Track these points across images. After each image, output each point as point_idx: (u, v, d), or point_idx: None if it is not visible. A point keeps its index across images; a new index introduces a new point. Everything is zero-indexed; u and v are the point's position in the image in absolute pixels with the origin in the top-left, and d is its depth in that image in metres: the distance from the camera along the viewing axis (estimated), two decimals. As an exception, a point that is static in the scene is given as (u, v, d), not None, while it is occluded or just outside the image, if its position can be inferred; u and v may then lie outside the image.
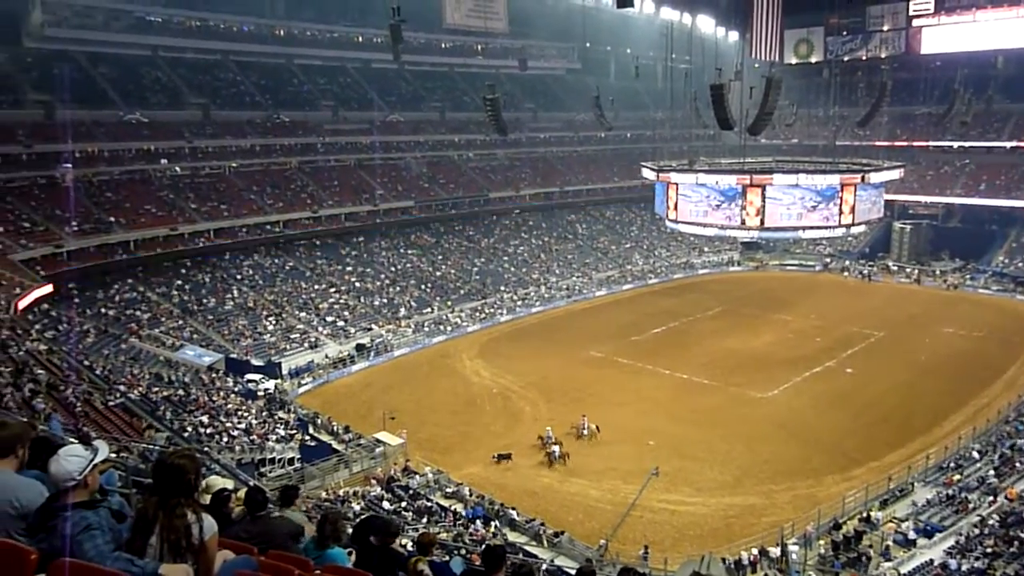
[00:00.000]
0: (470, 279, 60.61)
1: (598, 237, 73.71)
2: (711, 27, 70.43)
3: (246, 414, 33.42)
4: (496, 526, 26.28)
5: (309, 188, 61.46)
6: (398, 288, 56.37)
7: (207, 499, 6.27)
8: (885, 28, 68.05)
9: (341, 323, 49.69)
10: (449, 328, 52.06)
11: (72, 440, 8.42)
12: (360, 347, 46.68)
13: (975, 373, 40.88)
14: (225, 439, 30.25)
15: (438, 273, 60.39)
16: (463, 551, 20.58)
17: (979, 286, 61.48)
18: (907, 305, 56.91)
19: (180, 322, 45.20)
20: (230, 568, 4.17)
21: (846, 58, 68.95)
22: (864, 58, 68.47)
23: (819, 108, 64.29)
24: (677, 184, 44.05)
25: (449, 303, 55.68)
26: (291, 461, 30.47)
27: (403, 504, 27.57)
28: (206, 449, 27.20)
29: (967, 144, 70.84)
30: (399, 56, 47.19)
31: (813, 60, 70.71)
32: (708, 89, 32.00)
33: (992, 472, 27.88)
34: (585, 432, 33.90)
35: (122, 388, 30.55)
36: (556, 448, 31.95)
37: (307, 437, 33.21)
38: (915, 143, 73.41)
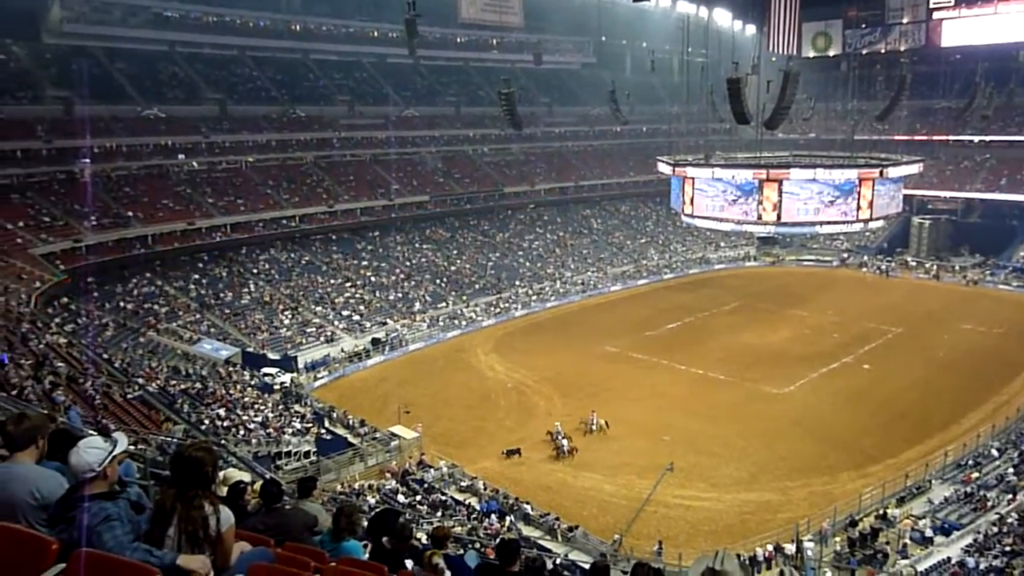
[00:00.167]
0: (485, 274, 60.64)
1: (613, 232, 73.53)
2: (728, 20, 69.97)
3: (262, 407, 33.65)
4: (511, 521, 26.33)
5: (325, 183, 61.68)
6: (413, 283, 56.49)
7: (224, 491, 6.33)
8: (905, 20, 67.25)
9: (356, 317, 49.87)
10: (464, 323, 52.14)
11: (91, 432, 8.51)
12: (375, 341, 46.85)
13: (994, 369, 40.49)
14: (242, 432, 30.47)
15: (453, 268, 60.46)
16: (477, 545, 20.66)
17: (999, 282, 60.84)
18: (926, 301, 56.43)
19: (197, 316, 45.53)
20: (247, 559, 4.20)
21: (865, 51, 68.27)
22: (883, 51, 67.74)
23: (837, 102, 63.84)
24: (693, 179, 43.86)
25: (464, 298, 55.75)
26: (307, 454, 30.64)
27: (418, 497, 27.68)
28: (223, 442, 27.44)
29: (988, 138, 70.02)
30: (414, 51, 47.17)
31: (831, 53, 70.02)
32: (725, 83, 31.85)
33: (1011, 470, 27.64)
34: (594, 427, 33.91)
35: (140, 381, 30.83)
36: (564, 442, 31.97)
37: (323, 430, 33.40)
38: (935, 137, 72.62)
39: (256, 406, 33.62)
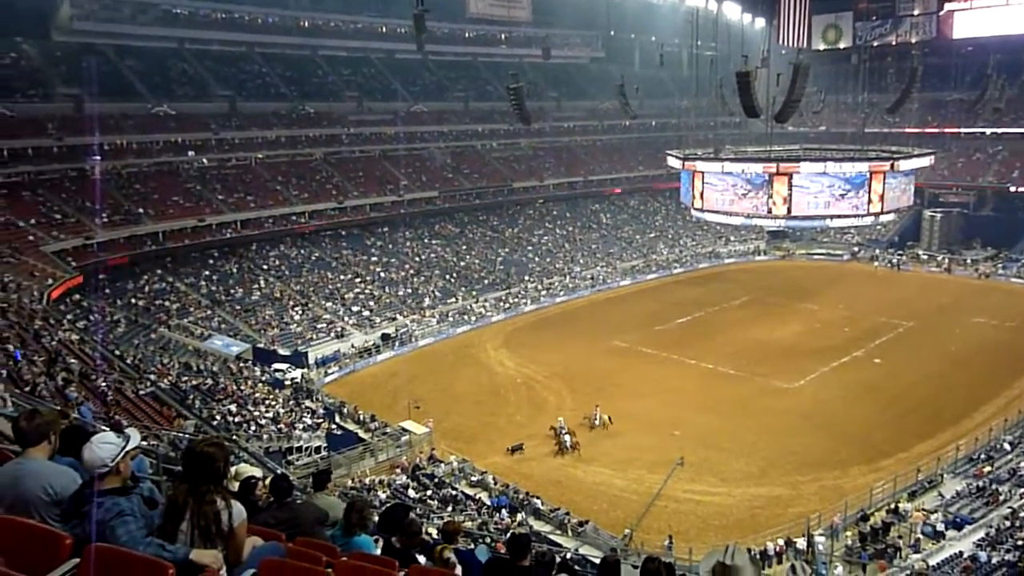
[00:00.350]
0: (494, 269, 60.66)
1: (622, 226, 73.38)
2: (737, 13, 69.54)
3: (273, 403, 33.79)
4: (523, 517, 26.35)
5: (334, 179, 61.79)
6: (422, 278, 56.57)
7: (236, 486, 6.36)
8: (915, 12, 66.80)
9: (366, 313, 49.97)
10: (473, 318, 52.18)
11: (103, 428, 8.56)
12: (385, 337, 46.94)
13: (1007, 363, 40.22)
14: (253, 427, 30.62)
15: (462, 263, 60.50)
16: (488, 539, 20.70)
17: (1011, 275, 60.39)
18: (937, 295, 56.11)
19: (208, 312, 45.72)
20: (259, 554, 4.22)
21: (875, 43, 67.82)
22: (894, 43, 67.27)
23: (847, 95, 63.33)
24: (703, 172, 43.70)
25: (473, 293, 55.79)
26: (318, 449, 30.75)
27: (428, 492, 27.74)
28: (234, 437, 27.57)
29: (1000, 131, 69.55)
30: (423, 46, 47.28)
31: (842, 46, 69.59)
32: (734, 76, 31.67)
33: (1023, 464, 27.48)
34: (597, 422, 33.88)
35: (152, 377, 31.02)
36: (567, 438, 32.00)
37: (334, 426, 33.50)
38: (946, 130, 72.19)
39: (267, 402, 33.77)
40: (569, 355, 44.22)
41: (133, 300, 44.45)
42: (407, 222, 63.28)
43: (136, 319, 42.47)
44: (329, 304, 50.22)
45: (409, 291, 54.31)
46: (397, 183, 64.01)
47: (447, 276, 57.75)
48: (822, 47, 70.28)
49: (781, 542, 23.87)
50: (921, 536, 24.06)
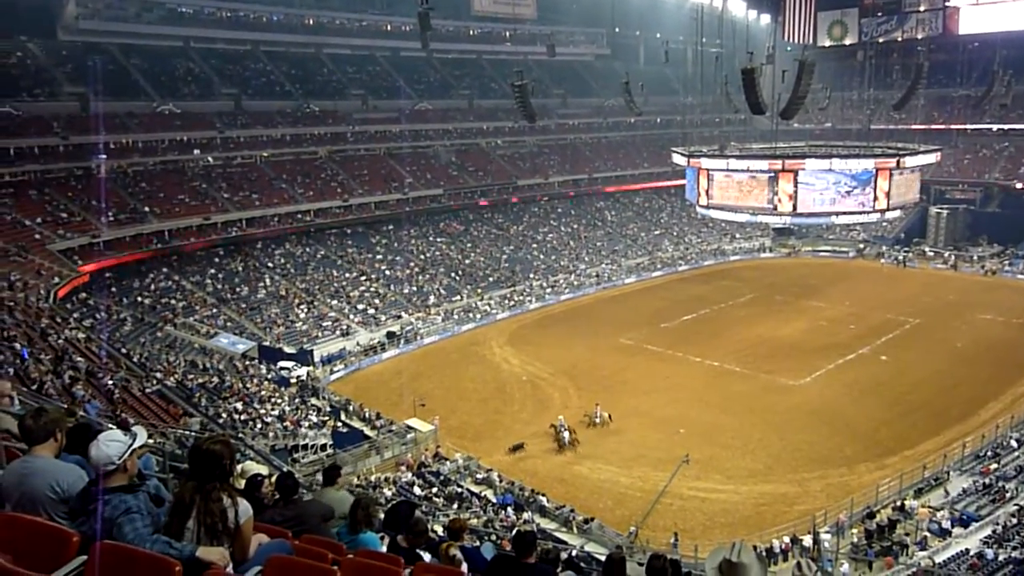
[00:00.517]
0: (499, 267, 60.66)
1: (627, 224, 73.31)
2: (742, 10, 69.40)
3: (279, 401, 33.87)
4: (528, 515, 26.37)
5: (339, 177, 61.84)
6: (427, 276, 56.60)
7: (242, 484, 6.37)
8: (921, 8, 66.56)
9: (372, 311, 50.03)
10: (478, 316, 52.19)
11: (109, 426, 8.59)
12: (390, 335, 46.99)
13: (1014, 360, 40.06)
14: (259, 425, 30.69)
15: (467, 261, 60.51)
16: (494, 537, 20.71)
17: (1018, 272, 60.14)
18: (943, 291, 55.94)
19: (214, 310, 45.84)
20: (265, 551, 4.23)
21: (881, 40, 67.61)
22: (900, 39, 67.08)
23: (853, 91, 63.22)
24: (708, 169, 43.64)
25: (478, 291, 55.80)
26: (324, 447, 30.80)
27: (434, 490, 27.77)
28: (240, 435, 27.63)
29: (1006, 127, 69.26)
30: (427, 44, 47.24)
31: (847, 42, 69.40)
32: (739, 73, 31.60)
33: (1031, 461, 27.40)
34: (597, 420, 33.88)
35: (158, 375, 31.08)
36: (566, 435, 32.02)
37: (339, 423, 33.56)
38: (952, 126, 71.95)
39: (273, 399, 33.85)
40: (574, 353, 44.22)
41: (139, 298, 44.59)
42: (412, 220, 63.32)
43: (142, 317, 42.60)
44: (334, 302, 50.29)
45: (414, 289, 54.35)
46: (402, 181, 64.04)
47: (452, 274, 57.77)
48: (828, 43, 70.10)
49: (787, 539, 23.84)
50: (927, 534, 24.00)
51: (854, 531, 24.64)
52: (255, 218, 54.38)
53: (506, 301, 55.05)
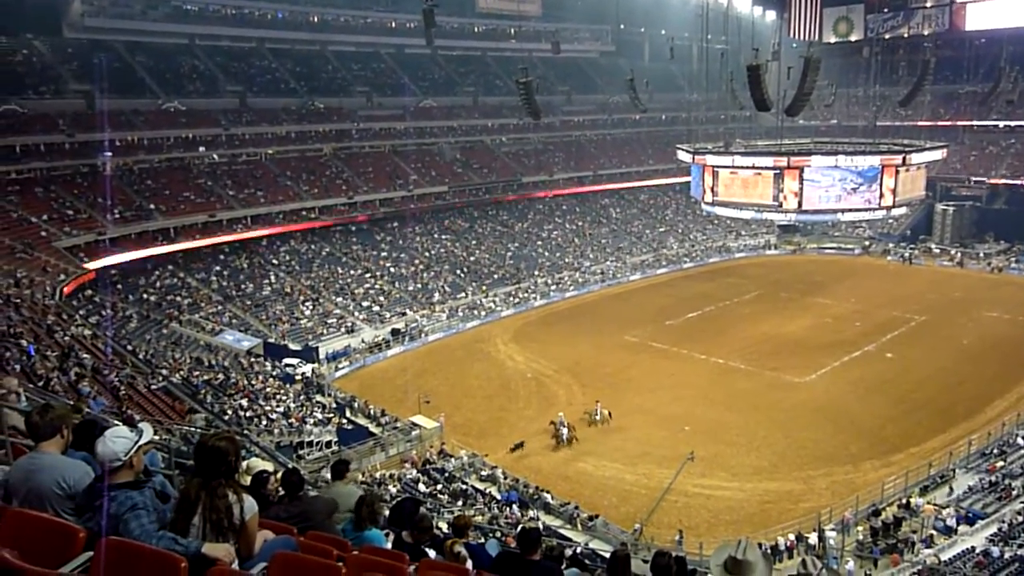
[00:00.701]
0: (504, 264, 60.65)
1: (632, 221, 73.23)
2: (747, 6, 69.09)
3: (284, 398, 33.92)
4: (534, 513, 26.38)
5: (344, 174, 61.87)
6: (432, 273, 56.62)
7: (248, 480, 6.39)
8: (928, 4, 66.03)
9: (376, 308, 50.09)
10: (483, 313, 52.20)
11: (115, 423, 8.61)
12: (395, 332, 47.05)
13: (1020, 358, 39.93)
14: (264, 422, 30.74)
15: (472, 258, 60.52)
16: (498, 533, 20.75)
17: (1024, 269, 60.06)
18: (949, 289, 55.78)
19: (219, 307, 45.94)
20: (270, 548, 4.25)
21: (887, 36, 67.16)
22: (906, 35, 66.62)
23: (859, 88, 62.97)
24: (714, 166, 43.56)
25: (483, 288, 55.82)
26: (329, 444, 30.85)
27: (439, 487, 27.81)
28: (246, 432, 27.66)
29: (1013, 123, 69.06)
30: (432, 41, 47.27)
31: (853, 38, 68.92)
32: (745, 70, 31.52)
33: (1037, 459, 27.33)
34: (597, 417, 33.89)
35: (164, 372, 31.15)
36: (564, 431, 32.08)
37: (344, 420, 33.61)
38: (959, 122, 71.69)
39: (278, 396, 33.90)
40: (579, 350, 44.21)
41: (145, 295, 44.69)
42: (417, 217, 63.30)
43: (148, 314, 42.69)
44: (339, 299, 50.36)
45: (419, 286, 54.38)
46: (407, 178, 64.05)
47: (457, 271, 57.79)
48: (833, 40, 69.62)
49: (792, 537, 23.81)
50: (933, 531, 23.97)
51: (859, 529, 24.61)
52: (260, 215, 54.39)
53: (511, 298, 55.05)
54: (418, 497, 24.34)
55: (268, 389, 34.67)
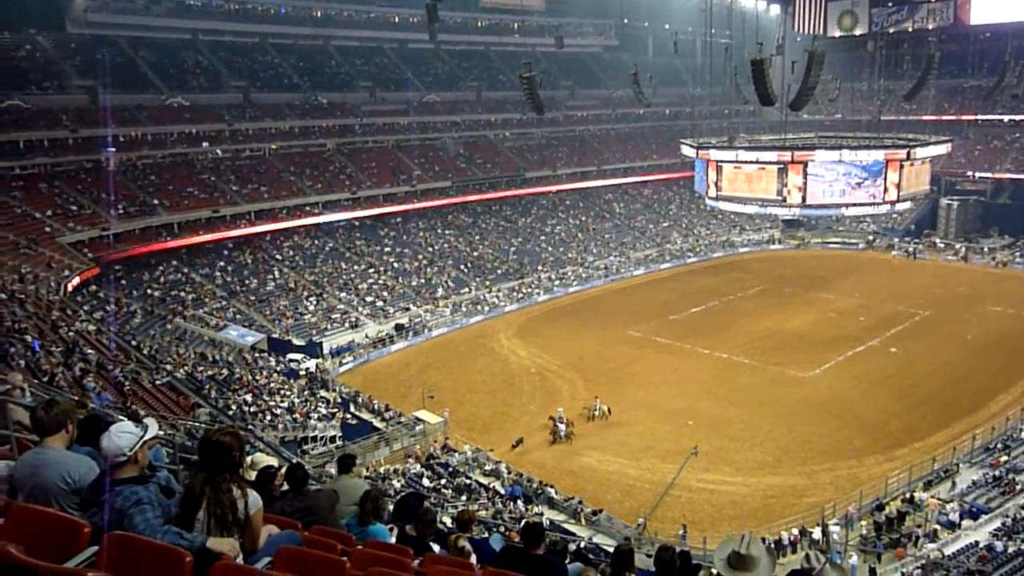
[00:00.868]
0: (507, 259, 60.63)
1: (636, 216, 73.14)
2: (752, 0, 69.03)
3: (288, 393, 34.01)
4: (538, 507, 26.43)
5: (347, 169, 61.86)
6: (436, 268, 56.64)
7: (252, 475, 6.41)
8: (932, -2, 65.98)
9: (380, 303, 50.13)
10: (486, 308, 52.21)
11: (120, 417, 8.64)
12: (399, 327, 47.08)
13: (1024, 352, 39.96)
14: (268, 417, 30.84)
15: (475, 253, 60.51)
16: (502, 528, 20.79)
17: (1029, 263, 59.86)
18: (954, 283, 55.67)
19: (223, 303, 46.01)
20: (275, 543, 4.26)
21: (892, 30, 67.00)
22: (910, 30, 66.46)
23: (863, 82, 62.85)
24: (717, 161, 43.49)
25: (487, 283, 55.82)
26: (333, 439, 30.92)
27: (443, 481, 27.86)
28: (250, 427, 27.75)
29: (1018, 117, 68.74)
30: (435, 36, 47.00)
31: (857, 32, 68.73)
32: (749, 64, 31.41)
33: (1041, 453, 27.30)
34: (596, 413, 33.92)
35: (168, 367, 31.23)
36: (562, 427, 32.12)
37: (348, 415, 33.68)
38: (963, 117, 71.46)
39: (282, 392, 33.99)
40: (583, 345, 44.21)
41: (149, 291, 44.77)
42: (420, 212, 63.24)
43: (152, 310, 42.78)
44: (343, 294, 50.41)
45: (422, 281, 54.40)
46: (410, 173, 64.01)
47: (460, 266, 57.79)
48: (838, 34, 69.43)
49: (796, 532, 23.83)
50: (937, 526, 23.96)
51: (863, 523, 24.64)
52: (264, 210, 54.43)
53: (514, 293, 55.04)
54: (422, 492, 24.41)
55: (272, 384, 34.76)
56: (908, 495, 25.86)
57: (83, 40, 54.74)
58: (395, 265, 55.85)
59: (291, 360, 39.23)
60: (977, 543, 22.04)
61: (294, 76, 64.98)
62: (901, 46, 65.90)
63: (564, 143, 77.16)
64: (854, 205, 41.92)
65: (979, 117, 70.67)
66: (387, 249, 57.90)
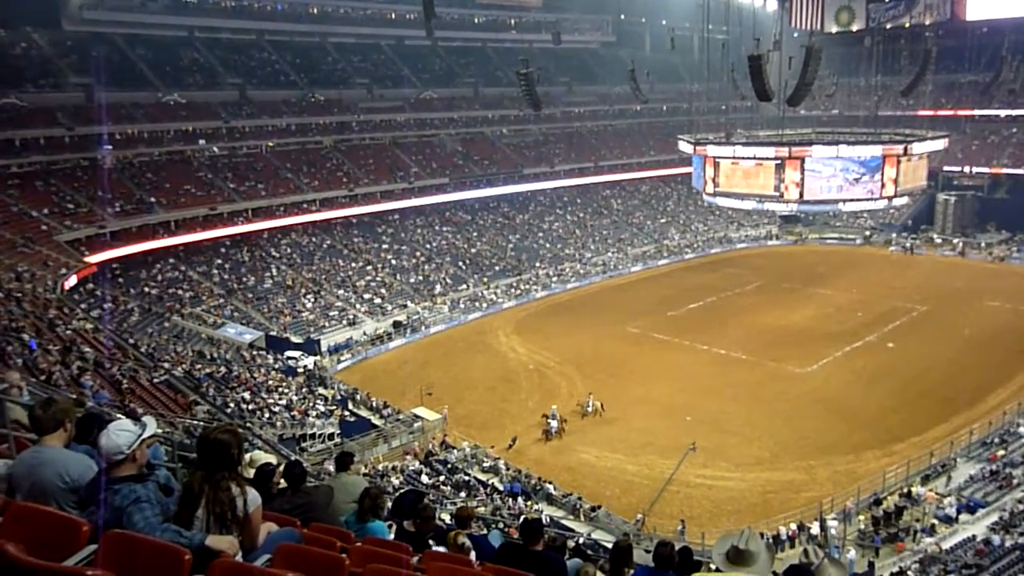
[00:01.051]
0: (505, 256, 60.62)
1: (633, 212, 73.14)
2: (749, -4, 69.02)
3: (286, 390, 33.98)
4: (538, 505, 26.45)
5: (345, 167, 61.78)
6: (433, 265, 56.61)
7: (251, 473, 6.41)
8: (929, -6, 65.95)
9: (378, 300, 50.11)
10: (485, 305, 52.21)
11: (118, 416, 8.63)
12: (397, 324, 47.06)
13: (1021, 347, 39.92)
14: (266, 415, 30.81)
15: (473, 250, 60.48)
16: (501, 524, 20.78)
17: (1026, 258, 59.94)
18: (951, 278, 55.75)
19: (221, 300, 45.95)
20: (274, 540, 4.26)
21: (888, 25, 66.96)
22: (907, 25, 66.39)
23: (860, 77, 62.82)
24: (714, 157, 43.50)
25: (484, 280, 55.80)
26: (331, 436, 30.91)
27: (441, 478, 27.87)
28: (248, 424, 27.73)
29: (1015, 112, 68.87)
30: (432, 32, 46.91)
31: (854, 28, 68.68)
32: (746, 60, 31.40)
33: (1038, 448, 27.37)
34: (589, 409, 33.97)
35: (166, 365, 31.20)
36: (554, 424, 32.18)
37: (347, 412, 33.66)
38: (960, 112, 71.54)
39: (280, 389, 33.95)
40: (581, 341, 44.22)
41: (146, 289, 44.70)
42: (418, 209, 63.18)
43: (149, 308, 42.71)
44: (341, 292, 50.37)
45: (420, 278, 54.38)
46: (407, 170, 63.95)
47: (458, 263, 57.77)
48: (835, 30, 69.33)
49: (794, 527, 23.89)
50: (934, 520, 24.02)
51: (861, 518, 24.69)
52: (261, 208, 54.33)
53: (512, 290, 55.05)
54: (421, 489, 24.41)
55: (270, 382, 34.73)
56: (906, 490, 25.92)
57: (79, 37, 54.54)
58: (393, 262, 55.82)
59: (289, 357, 39.20)
60: (974, 537, 22.11)
61: (291, 73, 64.84)
62: (898, 42, 66.04)
63: (561, 139, 77.12)
64: (851, 201, 41.97)
65: (976, 112, 70.74)
66: (385, 246, 57.86)
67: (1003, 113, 69.80)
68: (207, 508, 3.89)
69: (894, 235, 68.12)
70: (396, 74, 70.13)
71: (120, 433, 3.90)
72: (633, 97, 51.92)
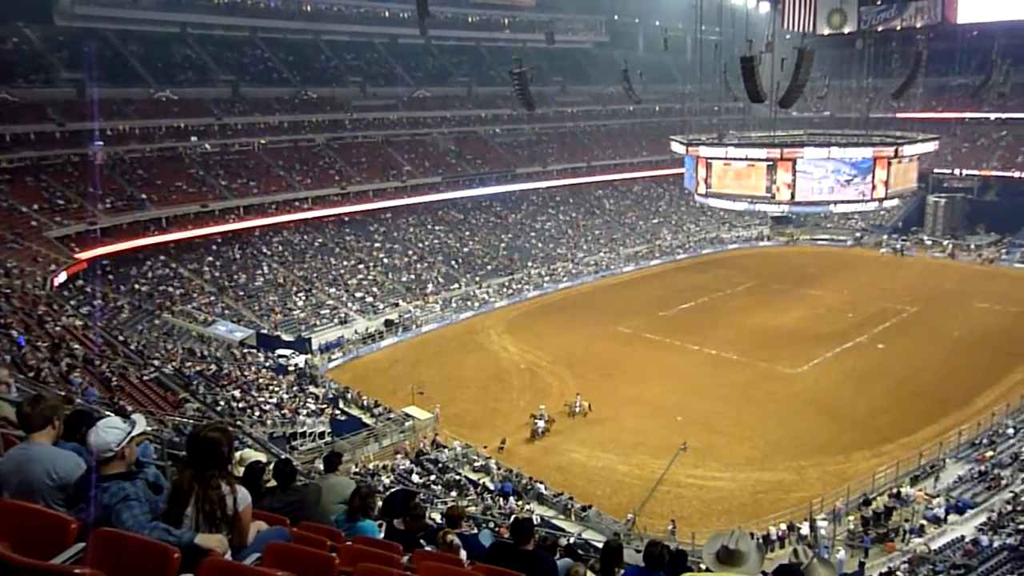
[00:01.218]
0: (497, 255, 60.61)
1: (626, 212, 73.23)
2: (742, -3, 69.17)
3: (277, 388, 33.88)
4: (529, 504, 26.45)
5: (337, 165, 61.66)
6: (426, 264, 56.56)
7: (241, 471, 6.38)
8: (920, -3, 66.21)
9: (370, 299, 50.02)
10: (477, 304, 52.19)
11: (107, 413, 8.58)
12: (389, 323, 46.99)
13: (1010, 348, 40.18)
14: (257, 413, 30.71)
15: (465, 249, 60.45)
16: (492, 524, 20.77)
17: (1015, 260, 60.20)
18: (941, 280, 56.01)
19: (212, 298, 45.79)
20: (264, 538, 4.24)
21: (880, 28, 67.21)
22: (899, 28, 66.71)
23: (852, 79, 62.92)
24: (707, 158, 43.59)
25: (477, 279, 55.77)
26: (322, 435, 30.83)
27: (432, 477, 27.85)
28: (239, 423, 27.64)
29: (1004, 116, 69.15)
30: (426, 31, 47.02)
31: (846, 30, 68.94)
32: (739, 61, 31.49)
33: (1026, 449, 27.50)
34: (577, 410, 34.02)
35: (156, 363, 31.08)
36: (541, 423, 32.25)
37: (337, 411, 33.59)
38: (951, 115, 71.89)
39: (271, 387, 33.85)
40: (573, 341, 44.24)
41: (136, 286, 44.51)
42: (410, 207, 63.10)
43: (140, 305, 42.53)
44: (332, 290, 50.26)
45: (412, 277, 54.32)
46: (400, 169, 63.87)
47: (450, 262, 57.73)
48: (827, 32, 69.58)
49: (784, 527, 23.97)
50: (923, 520, 24.13)
51: (850, 518, 24.79)
52: (253, 205, 54.16)
53: (504, 289, 55.04)
54: (411, 488, 24.38)
55: (261, 380, 34.62)
56: (895, 490, 26.03)
57: (71, 33, 54.27)
58: (385, 261, 55.73)
59: (280, 356, 39.07)
60: (963, 537, 22.20)
61: (284, 70, 64.67)
62: (889, 44, 66.15)
63: (554, 139, 77.17)
64: (842, 202, 42.13)
65: (966, 115, 71.11)
66: (377, 245, 57.78)
67: (993, 116, 70.14)
68: (196, 506, 3.87)
69: (885, 237, 68.40)
70: (389, 72, 70.09)
71: (109, 430, 3.87)
72: (626, 97, 51.98)
